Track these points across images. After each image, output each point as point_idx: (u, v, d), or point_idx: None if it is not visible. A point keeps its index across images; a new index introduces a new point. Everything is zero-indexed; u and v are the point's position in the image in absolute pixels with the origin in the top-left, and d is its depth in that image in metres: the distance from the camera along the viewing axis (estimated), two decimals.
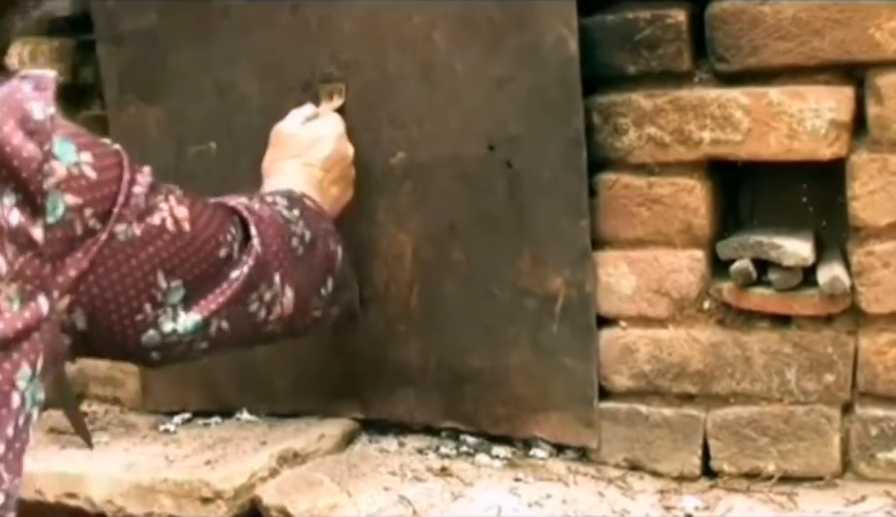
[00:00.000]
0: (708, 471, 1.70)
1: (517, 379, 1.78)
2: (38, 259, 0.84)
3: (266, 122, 1.82)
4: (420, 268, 1.81)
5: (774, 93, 1.57)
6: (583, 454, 1.79)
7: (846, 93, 1.55)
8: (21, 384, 0.83)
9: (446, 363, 1.83)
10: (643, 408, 1.73)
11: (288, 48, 1.85)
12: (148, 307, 1.08)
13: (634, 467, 1.74)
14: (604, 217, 1.71)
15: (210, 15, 1.91)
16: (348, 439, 1.91)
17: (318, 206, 1.56)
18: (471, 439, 1.85)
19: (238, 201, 1.36)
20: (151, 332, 1.10)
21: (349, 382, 1.92)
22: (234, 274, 1.25)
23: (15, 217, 0.82)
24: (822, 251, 1.64)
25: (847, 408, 1.63)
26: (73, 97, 2.24)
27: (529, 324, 1.75)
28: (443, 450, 1.85)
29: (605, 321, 1.74)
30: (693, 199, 1.66)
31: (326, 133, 1.69)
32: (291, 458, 1.81)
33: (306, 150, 1.65)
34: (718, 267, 1.68)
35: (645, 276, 1.70)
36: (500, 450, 1.82)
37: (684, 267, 1.68)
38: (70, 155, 0.93)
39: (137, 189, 1.05)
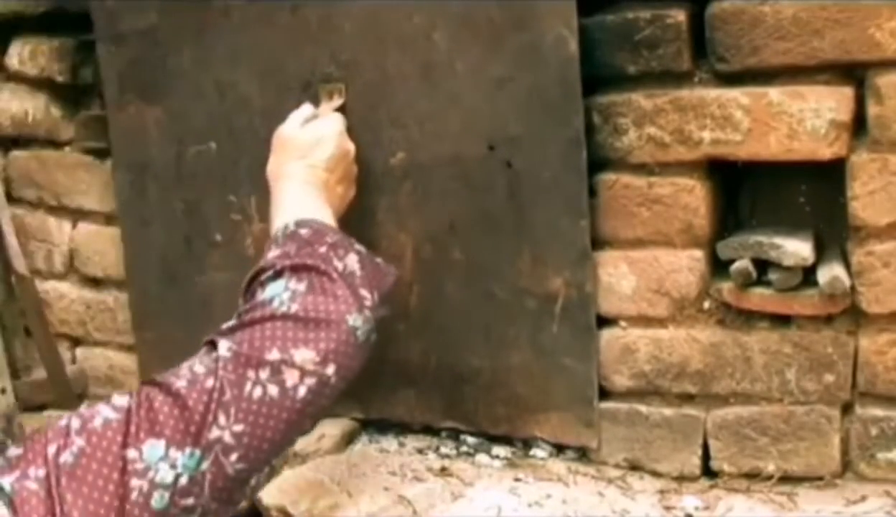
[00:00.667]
0: (708, 471, 1.71)
1: (517, 379, 1.78)
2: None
3: (266, 122, 1.82)
4: (420, 268, 1.81)
5: (774, 93, 1.57)
6: (583, 454, 1.79)
7: (846, 93, 1.55)
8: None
9: (446, 363, 1.83)
10: (643, 408, 1.73)
11: (288, 48, 1.85)
12: (135, 481, 1.12)
13: (634, 467, 1.74)
14: (604, 217, 1.71)
15: (210, 15, 1.91)
16: (348, 439, 1.91)
17: (312, 231, 1.50)
18: (471, 439, 1.85)
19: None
20: (157, 494, 1.14)
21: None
22: (209, 383, 1.22)
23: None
24: (822, 251, 1.64)
25: (847, 408, 1.63)
26: (73, 97, 2.24)
27: (529, 324, 1.75)
28: (443, 450, 1.85)
29: (605, 321, 1.75)
30: (693, 199, 1.66)
31: (328, 133, 1.68)
32: (291, 458, 1.81)
33: (310, 152, 1.64)
34: (718, 267, 1.68)
35: (645, 276, 1.70)
36: (500, 450, 1.82)
37: (684, 267, 1.68)
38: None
39: (65, 422, 1.17)
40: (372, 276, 1.47)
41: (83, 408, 1.19)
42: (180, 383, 1.21)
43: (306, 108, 1.75)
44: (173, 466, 1.14)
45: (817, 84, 1.56)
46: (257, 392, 1.24)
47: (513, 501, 1.64)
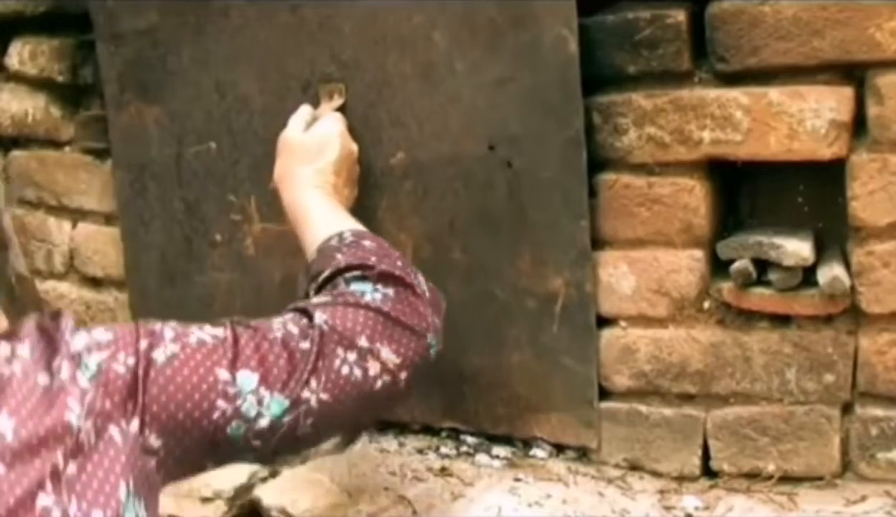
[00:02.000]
0: (708, 471, 1.71)
1: (517, 379, 1.78)
2: (98, 400, 1.03)
3: (266, 122, 1.82)
4: (420, 268, 1.81)
5: (774, 93, 1.57)
6: (583, 454, 1.79)
7: (846, 93, 1.55)
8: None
9: (446, 363, 1.82)
10: (643, 408, 1.73)
11: (288, 48, 1.85)
12: (221, 402, 1.12)
13: (634, 467, 1.74)
14: (604, 217, 1.71)
15: (210, 15, 1.91)
16: (348, 439, 1.91)
17: (377, 245, 1.52)
18: (471, 439, 1.85)
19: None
20: (235, 423, 1.14)
21: None
22: (304, 345, 1.24)
23: (68, 372, 1.04)
24: (822, 251, 1.64)
25: (847, 408, 1.63)
26: (72, 97, 2.24)
27: (529, 324, 1.75)
28: (443, 450, 1.85)
29: (605, 321, 1.75)
30: (693, 199, 1.66)
31: (331, 135, 1.69)
32: (291, 458, 1.81)
33: (316, 156, 1.65)
34: (718, 267, 1.68)
35: (645, 276, 1.70)
36: (500, 450, 1.82)
37: (684, 267, 1.68)
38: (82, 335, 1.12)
39: (158, 327, 1.18)
40: (436, 301, 1.50)
41: (172, 323, 1.21)
42: (279, 334, 1.24)
43: (305, 110, 1.75)
44: (260, 404, 1.16)
45: (817, 84, 1.56)
46: (345, 369, 1.26)
47: (513, 501, 1.64)
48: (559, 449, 1.80)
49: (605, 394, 1.76)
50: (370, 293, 1.38)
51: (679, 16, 1.62)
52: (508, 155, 1.71)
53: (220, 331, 1.21)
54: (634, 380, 1.73)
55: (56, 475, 0.95)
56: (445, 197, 1.77)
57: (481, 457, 1.81)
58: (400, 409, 1.89)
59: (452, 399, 1.84)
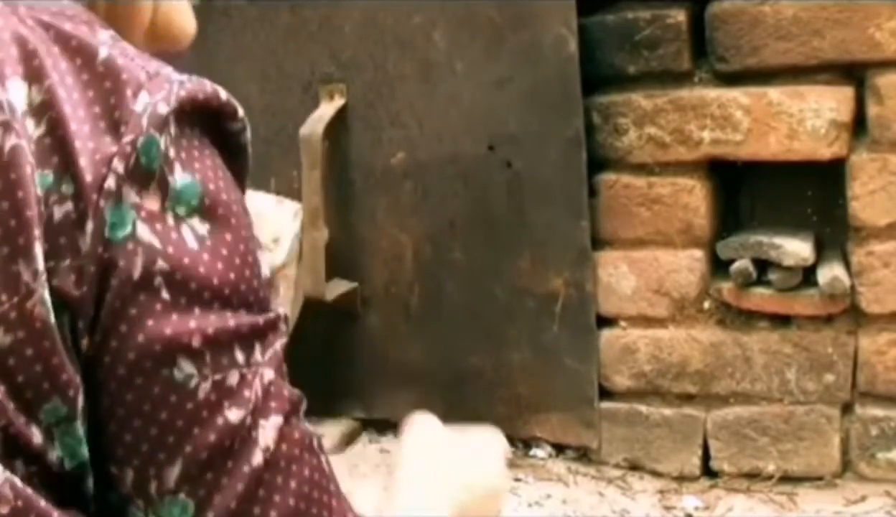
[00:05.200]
0: (708, 471, 1.70)
1: (517, 379, 1.78)
2: (76, 273, 0.55)
3: (266, 122, 1.82)
4: (420, 268, 1.81)
5: (774, 93, 1.57)
6: (583, 454, 1.79)
7: (846, 93, 1.55)
8: (44, 418, 0.55)
9: (447, 363, 1.83)
10: (643, 408, 1.73)
11: (288, 48, 1.85)
12: (129, 476, 0.58)
13: (634, 467, 1.74)
14: (604, 217, 1.71)
15: (210, 15, 1.91)
16: (349, 439, 1.91)
17: None
18: None
19: None
20: (112, 497, 0.60)
21: (350, 382, 1.92)
22: None
23: (63, 210, 0.55)
24: (822, 251, 1.64)
25: (847, 408, 1.63)
26: None
27: (530, 324, 1.75)
28: None
29: (605, 321, 1.74)
30: (693, 199, 1.66)
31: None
32: None
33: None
34: (718, 267, 1.68)
35: (645, 276, 1.70)
36: None
37: (684, 267, 1.68)
38: (183, 204, 0.57)
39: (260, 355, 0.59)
40: None
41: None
42: None
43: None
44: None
45: (817, 84, 1.56)
46: None
47: (513, 501, 1.64)
48: (559, 449, 1.80)
49: (605, 394, 1.76)
50: None
51: (679, 16, 1.62)
52: (508, 155, 1.71)
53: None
54: (634, 380, 1.73)
55: None
56: (445, 197, 1.77)
57: None
58: (400, 409, 1.89)
59: (452, 399, 1.84)
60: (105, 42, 0.58)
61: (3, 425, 0.52)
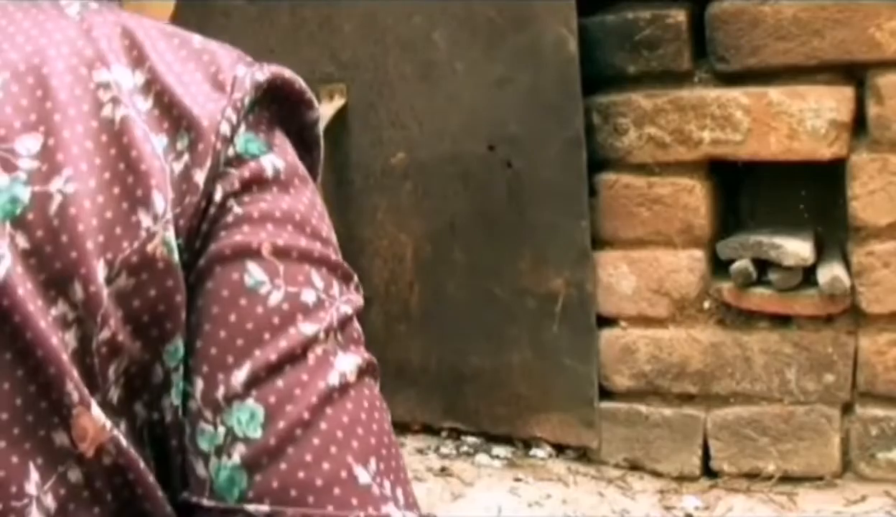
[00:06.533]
0: (708, 471, 1.70)
1: (518, 379, 1.78)
2: (195, 209, 0.55)
3: None
4: (420, 268, 1.81)
5: (774, 93, 1.57)
6: (583, 454, 1.79)
7: (846, 93, 1.55)
8: (167, 359, 0.54)
9: (447, 363, 1.83)
10: (643, 408, 1.73)
11: (287, 48, 1.85)
12: (199, 384, 0.55)
13: (634, 467, 1.74)
14: (604, 217, 1.71)
15: (210, 15, 1.91)
16: None
17: None
18: (471, 439, 1.85)
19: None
20: (185, 425, 0.56)
21: None
22: None
23: (182, 163, 0.55)
24: (822, 251, 1.64)
25: (847, 408, 1.63)
26: None
27: (530, 324, 1.75)
28: (443, 450, 1.85)
29: (605, 321, 1.74)
30: (693, 199, 1.66)
31: None
32: None
33: None
34: (718, 267, 1.68)
35: (645, 276, 1.70)
36: (500, 450, 1.82)
37: (684, 267, 1.68)
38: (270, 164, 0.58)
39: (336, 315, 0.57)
40: None
41: None
42: None
43: None
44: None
45: (817, 84, 1.56)
46: None
47: (513, 501, 1.64)
48: (559, 449, 1.80)
49: (605, 394, 1.76)
50: None
51: (679, 16, 1.62)
52: (508, 155, 1.71)
53: None
54: (634, 380, 1.73)
55: None
56: (446, 197, 1.77)
57: (481, 457, 1.81)
58: (400, 409, 1.89)
59: (452, 399, 1.84)
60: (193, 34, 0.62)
61: (126, 366, 0.52)
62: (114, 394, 0.52)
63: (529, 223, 1.72)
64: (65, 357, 0.52)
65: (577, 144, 1.66)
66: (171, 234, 0.53)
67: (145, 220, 0.53)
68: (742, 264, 1.62)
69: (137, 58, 0.58)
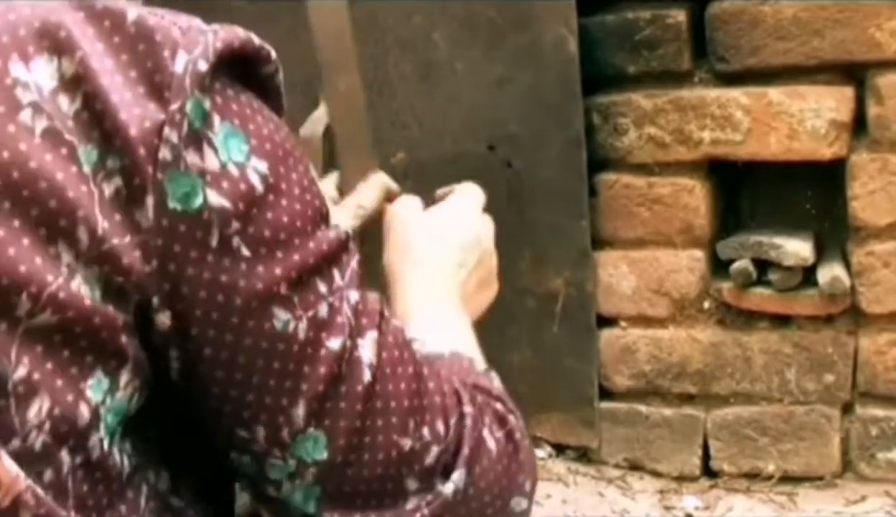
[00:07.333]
0: (708, 471, 1.70)
1: (517, 379, 1.78)
2: (140, 249, 0.53)
3: None
4: None
5: (774, 93, 1.57)
6: (583, 454, 1.79)
7: (846, 93, 1.55)
8: (91, 395, 0.54)
9: None
10: (643, 408, 1.73)
11: (288, 48, 1.84)
12: (261, 433, 0.58)
13: (634, 467, 1.74)
14: (604, 217, 1.71)
15: (210, 15, 1.91)
16: None
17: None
18: None
19: (472, 397, 0.73)
20: (247, 459, 0.60)
21: None
22: (409, 503, 0.63)
23: (114, 186, 0.53)
24: (822, 251, 1.64)
25: (847, 408, 1.63)
26: None
27: (530, 324, 1.75)
28: None
29: (605, 321, 1.74)
30: (693, 199, 1.66)
31: (464, 218, 1.07)
32: None
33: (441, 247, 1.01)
34: (718, 267, 1.68)
35: (645, 276, 1.70)
36: None
37: (684, 267, 1.68)
38: (235, 151, 0.57)
39: (340, 280, 0.60)
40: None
41: None
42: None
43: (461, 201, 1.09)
44: None
45: (817, 84, 1.56)
46: None
47: None
48: (559, 449, 1.80)
49: (605, 394, 1.76)
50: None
51: (679, 16, 1.62)
52: (508, 155, 1.71)
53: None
54: (634, 380, 1.73)
55: None
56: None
57: None
58: None
59: None
60: (130, 4, 0.57)
61: (49, 406, 0.51)
62: (36, 440, 0.51)
63: (529, 223, 1.72)
64: None
65: (577, 144, 1.66)
66: (94, 273, 0.52)
67: (66, 255, 0.51)
68: (742, 264, 1.62)
69: (65, 43, 0.53)
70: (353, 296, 0.59)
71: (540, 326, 1.74)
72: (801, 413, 1.63)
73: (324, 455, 0.57)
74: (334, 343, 0.57)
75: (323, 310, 0.57)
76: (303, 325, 0.56)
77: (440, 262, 0.97)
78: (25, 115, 0.51)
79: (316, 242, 0.57)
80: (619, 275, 1.72)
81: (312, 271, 0.57)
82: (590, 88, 1.67)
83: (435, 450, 0.62)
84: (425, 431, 0.61)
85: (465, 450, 0.64)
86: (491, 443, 0.68)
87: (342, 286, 0.58)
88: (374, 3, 1.76)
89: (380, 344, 0.59)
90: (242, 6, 1.88)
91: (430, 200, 1.02)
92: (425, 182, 1.81)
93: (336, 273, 0.59)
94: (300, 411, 0.56)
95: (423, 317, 0.83)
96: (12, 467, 0.50)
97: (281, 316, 0.55)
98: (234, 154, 0.56)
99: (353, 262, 0.60)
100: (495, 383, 0.82)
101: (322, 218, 0.59)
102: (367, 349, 0.58)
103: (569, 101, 1.65)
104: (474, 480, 0.64)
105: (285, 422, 0.56)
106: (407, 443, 0.60)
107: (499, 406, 0.76)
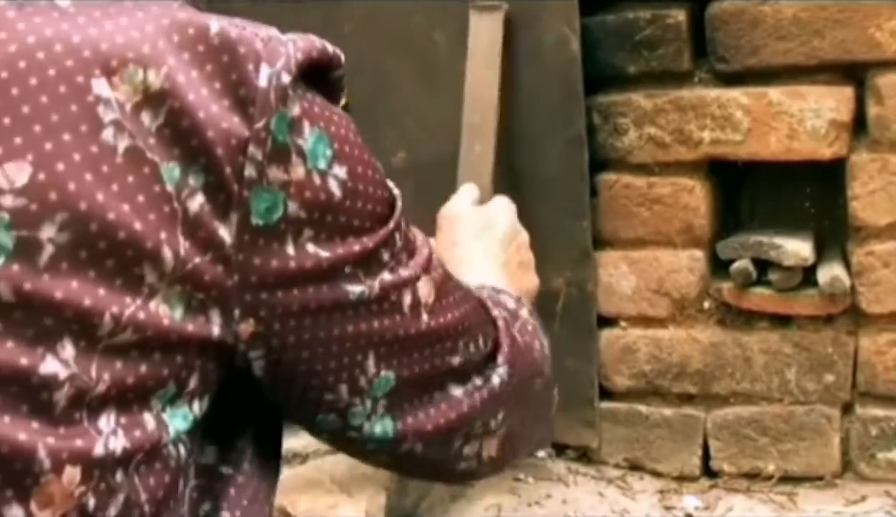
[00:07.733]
0: (708, 471, 1.71)
1: None
2: (223, 265, 0.55)
3: None
4: None
5: (774, 93, 1.57)
6: (583, 454, 1.79)
7: (846, 93, 1.55)
8: (159, 404, 0.56)
9: None
10: (643, 408, 1.73)
11: None
12: (343, 389, 0.68)
13: (634, 467, 1.74)
14: (604, 217, 1.71)
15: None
16: None
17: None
18: None
19: (499, 310, 0.87)
20: (332, 417, 0.71)
21: None
22: (458, 393, 0.78)
23: (197, 203, 0.54)
24: (822, 251, 1.64)
25: (847, 408, 1.63)
26: None
27: None
28: None
29: (605, 321, 1.74)
30: (693, 199, 1.66)
31: (501, 212, 1.33)
32: (291, 458, 1.81)
33: (482, 230, 1.26)
34: (718, 267, 1.68)
35: (645, 276, 1.70)
36: None
37: (684, 267, 1.68)
38: (321, 158, 0.60)
39: (398, 242, 0.69)
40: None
41: None
42: None
43: (470, 189, 1.44)
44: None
45: (817, 84, 1.56)
46: None
47: (513, 501, 1.64)
48: (559, 449, 1.80)
49: (605, 394, 1.76)
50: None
51: (679, 16, 1.62)
52: (508, 155, 1.71)
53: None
54: (634, 380, 1.73)
55: None
56: (446, 197, 1.77)
57: None
58: None
59: None
60: (212, 16, 0.59)
61: (116, 416, 0.53)
62: (116, 445, 0.53)
63: (530, 223, 1.71)
64: (35, 425, 0.50)
65: (578, 144, 1.66)
66: (176, 292, 0.54)
67: (150, 276, 0.52)
68: (742, 264, 1.62)
69: (150, 55, 0.52)
70: (408, 247, 0.67)
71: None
72: (801, 413, 1.63)
73: (392, 386, 0.66)
74: (395, 294, 0.64)
75: (387, 273, 0.63)
76: (373, 291, 0.62)
77: (485, 250, 1.17)
78: (107, 134, 0.51)
79: (386, 229, 0.64)
80: (619, 276, 1.72)
81: (380, 245, 0.63)
82: (590, 88, 1.67)
83: (478, 358, 0.74)
84: (471, 347, 0.72)
85: (505, 349, 0.76)
86: (519, 339, 0.81)
87: (401, 247, 0.66)
88: (374, 3, 1.76)
89: (431, 283, 0.68)
90: (242, 6, 1.88)
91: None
92: (425, 182, 1.81)
93: (397, 237, 0.66)
94: (371, 361, 0.64)
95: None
96: (70, 484, 0.51)
97: (354, 290, 0.61)
98: (319, 161, 0.59)
99: (402, 217, 0.70)
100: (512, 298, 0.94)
101: (390, 206, 0.69)
102: (421, 291, 0.66)
103: (570, 100, 1.65)
104: (514, 372, 0.77)
105: (361, 373, 0.64)
106: (457, 360, 0.71)
107: (513, 305, 0.89)
